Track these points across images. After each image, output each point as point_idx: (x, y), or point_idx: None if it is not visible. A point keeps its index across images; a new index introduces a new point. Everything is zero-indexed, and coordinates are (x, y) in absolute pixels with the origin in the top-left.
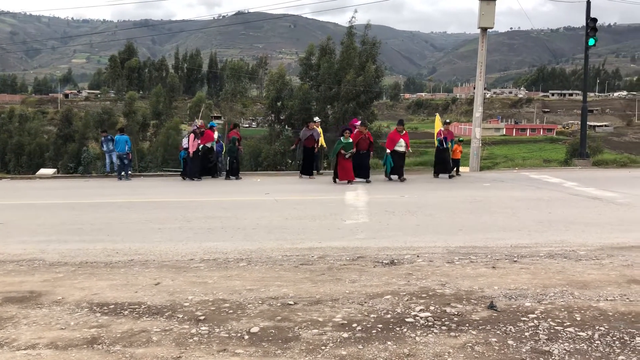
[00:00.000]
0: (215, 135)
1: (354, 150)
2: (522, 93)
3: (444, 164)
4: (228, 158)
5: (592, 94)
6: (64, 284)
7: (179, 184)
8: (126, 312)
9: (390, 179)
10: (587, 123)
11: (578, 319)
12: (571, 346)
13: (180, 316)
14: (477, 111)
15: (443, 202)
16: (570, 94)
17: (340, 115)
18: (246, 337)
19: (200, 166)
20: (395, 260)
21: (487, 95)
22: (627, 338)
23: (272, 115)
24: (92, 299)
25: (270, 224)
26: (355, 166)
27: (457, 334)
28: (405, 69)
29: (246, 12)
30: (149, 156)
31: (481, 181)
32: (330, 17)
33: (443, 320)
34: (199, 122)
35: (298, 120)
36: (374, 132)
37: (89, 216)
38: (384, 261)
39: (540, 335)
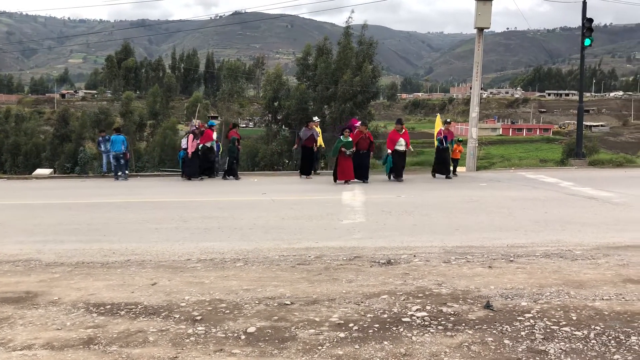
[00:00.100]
0: (214, 135)
1: (354, 149)
2: (518, 93)
3: (444, 164)
4: (228, 158)
5: (588, 94)
6: (61, 284)
7: (176, 184)
8: (123, 313)
9: (391, 179)
10: (584, 123)
11: (574, 318)
12: (567, 345)
13: (177, 316)
14: (474, 111)
15: (440, 202)
16: (567, 94)
17: (337, 115)
18: (243, 337)
19: (199, 166)
20: (392, 260)
21: (484, 95)
22: (623, 337)
23: (269, 115)
24: (88, 299)
25: (267, 224)
26: (355, 166)
27: (453, 334)
28: (402, 69)
29: (243, 12)
30: (146, 156)
31: (478, 181)
32: (327, 17)
33: (439, 319)
34: (196, 122)
35: (295, 120)
36: (371, 132)
37: (85, 216)
38: (381, 261)
39: (536, 335)
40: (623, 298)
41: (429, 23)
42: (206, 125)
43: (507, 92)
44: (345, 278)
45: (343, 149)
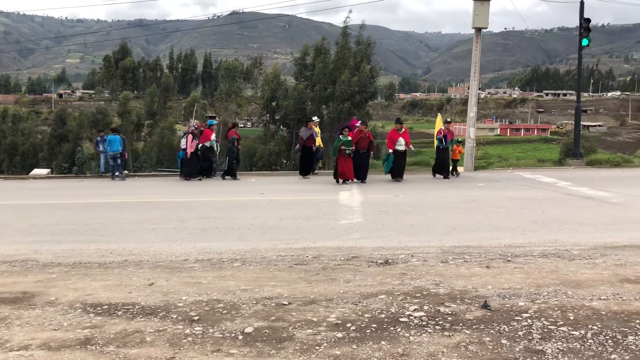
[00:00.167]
0: (213, 135)
1: (353, 147)
2: (516, 93)
3: (442, 164)
4: (227, 158)
5: (585, 94)
6: (58, 285)
7: (174, 184)
8: (120, 313)
9: (397, 180)
10: (581, 123)
11: (571, 318)
12: (564, 345)
13: (174, 316)
14: (472, 111)
15: (437, 202)
16: (564, 94)
17: (335, 115)
18: (240, 337)
19: (198, 166)
20: (390, 260)
21: (482, 96)
22: (620, 337)
23: (267, 115)
24: (85, 299)
25: (265, 224)
26: (354, 166)
27: (451, 334)
28: (399, 69)
29: (241, 12)
30: (144, 156)
31: (475, 181)
32: (325, 17)
33: (437, 319)
34: (193, 122)
35: (293, 120)
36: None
37: (82, 216)
38: (379, 261)
39: (534, 335)
40: (620, 298)
41: (427, 23)
42: (206, 124)
43: (505, 92)
44: (343, 278)
45: (343, 148)
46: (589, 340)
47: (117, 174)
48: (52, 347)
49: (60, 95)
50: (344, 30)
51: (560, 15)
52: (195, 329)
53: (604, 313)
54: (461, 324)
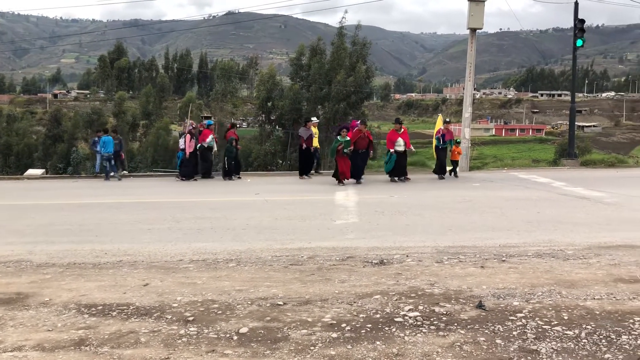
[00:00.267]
0: (211, 136)
1: (352, 147)
2: (511, 93)
3: (440, 164)
4: (226, 158)
5: (580, 95)
6: (52, 285)
7: (169, 184)
8: (114, 313)
9: (394, 180)
10: (576, 123)
11: (565, 317)
12: (558, 345)
13: (169, 317)
14: (467, 111)
15: (432, 202)
16: (559, 95)
17: (331, 116)
18: (235, 337)
19: (197, 165)
20: (385, 260)
21: (477, 96)
22: (614, 336)
23: (263, 115)
24: (80, 300)
25: (260, 225)
26: (352, 165)
27: (445, 334)
28: (395, 70)
29: (236, 12)
30: (139, 156)
31: (470, 181)
32: (321, 17)
33: (432, 319)
34: (188, 122)
35: (288, 120)
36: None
37: (77, 217)
38: (374, 261)
39: (528, 334)
40: (614, 297)
41: (422, 23)
42: (204, 125)
43: (500, 93)
44: (338, 278)
45: (340, 148)
46: (583, 340)
47: (112, 174)
48: (46, 348)
49: (55, 96)
50: (340, 31)
51: (554, 16)
52: (190, 329)
53: (598, 313)
54: (456, 324)
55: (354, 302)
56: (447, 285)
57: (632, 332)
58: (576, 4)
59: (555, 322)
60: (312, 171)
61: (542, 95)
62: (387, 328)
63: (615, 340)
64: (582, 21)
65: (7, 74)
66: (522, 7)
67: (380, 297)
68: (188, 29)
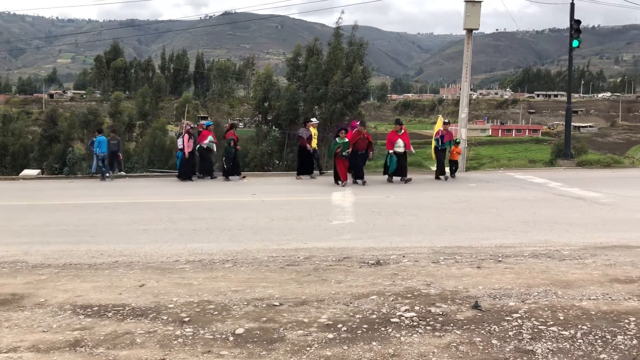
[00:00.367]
0: (210, 137)
1: (350, 149)
2: (507, 94)
3: (438, 164)
4: (224, 159)
5: (576, 95)
6: (47, 286)
7: (166, 184)
8: (110, 314)
9: (391, 181)
10: (572, 124)
11: (561, 318)
12: (554, 345)
13: (165, 318)
14: (463, 112)
15: (429, 203)
16: (556, 95)
17: (327, 116)
18: (231, 338)
19: (195, 166)
20: (381, 261)
21: (473, 96)
22: (609, 337)
23: (259, 115)
24: (75, 301)
25: (257, 225)
26: (352, 167)
27: (441, 334)
28: (392, 70)
29: (233, 12)
30: (135, 157)
31: (467, 182)
32: (318, 17)
33: (428, 320)
34: (185, 122)
35: (285, 120)
36: None
37: (73, 217)
38: (370, 261)
39: (524, 335)
40: (610, 298)
41: (419, 24)
42: (204, 125)
43: (496, 93)
44: (335, 279)
45: (339, 151)
46: (579, 340)
47: (107, 174)
48: (41, 349)
49: (51, 96)
50: (337, 31)
51: (551, 17)
52: (185, 330)
53: (593, 313)
54: (452, 325)
55: (350, 303)
56: (444, 285)
57: (628, 332)
58: (572, 4)
59: (551, 323)
60: (316, 171)
61: (538, 95)
62: (383, 328)
63: (610, 341)
64: (578, 22)
65: (3, 74)
66: (519, 8)
67: (377, 297)
68: (184, 29)
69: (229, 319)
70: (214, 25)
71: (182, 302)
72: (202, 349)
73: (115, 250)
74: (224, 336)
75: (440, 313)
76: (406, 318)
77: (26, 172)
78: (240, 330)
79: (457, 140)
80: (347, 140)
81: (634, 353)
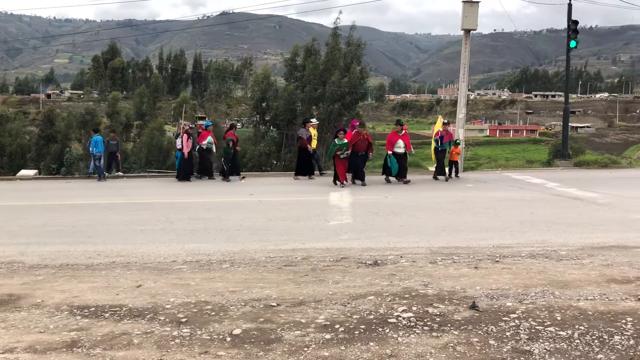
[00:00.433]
0: (209, 137)
1: (349, 151)
2: (505, 94)
3: (438, 165)
4: (223, 159)
5: (574, 96)
6: (44, 287)
7: (163, 184)
8: (107, 315)
9: (389, 181)
10: (569, 124)
11: (558, 318)
12: (551, 345)
13: (162, 318)
14: (461, 112)
15: (427, 203)
16: (553, 96)
17: (325, 117)
18: (228, 339)
19: (195, 166)
20: (379, 261)
21: (471, 97)
22: (606, 337)
23: (257, 116)
24: (72, 301)
25: (254, 225)
26: (352, 168)
27: (439, 334)
28: (390, 70)
29: (231, 12)
30: (133, 157)
31: (465, 182)
32: (315, 18)
33: (425, 320)
34: (182, 122)
35: (283, 121)
36: None
37: (70, 218)
38: (368, 262)
39: (521, 335)
40: (607, 298)
41: (417, 24)
42: (204, 126)
43: (494, 94)
44: (332, 279)
45: (338, 153)
46: (576, 341)
47: (103, 174)
48: (38, 350)
49: (49, 96)
50: (334, 31)
51: (548, 17)
52: (183, 331)
53: (590, 313)
54: (449, 325)
55: (348, 303)
56: (441, 286)
57: (625, 333)
58: (570, 5)
59: (549, 323)
60: (317, 172)
61: (535, 96)
62: (380, 329)
63: (607, 341)
64: (576, 22)
65: (0, 74)
66: (516, 9)
67: (374, 298)
68: (182, 29)
69: (226, 319)
70: (211, 25)
71: (179, 302)
72: (199, 349)
73: (112, 250)
74: (221, 337)
75: (438, 313)
76: (404, 318)
77: (23, 172)
78: (237, 331)
79: (457, 141)
80: (346, 141)
81: (631, 353)
